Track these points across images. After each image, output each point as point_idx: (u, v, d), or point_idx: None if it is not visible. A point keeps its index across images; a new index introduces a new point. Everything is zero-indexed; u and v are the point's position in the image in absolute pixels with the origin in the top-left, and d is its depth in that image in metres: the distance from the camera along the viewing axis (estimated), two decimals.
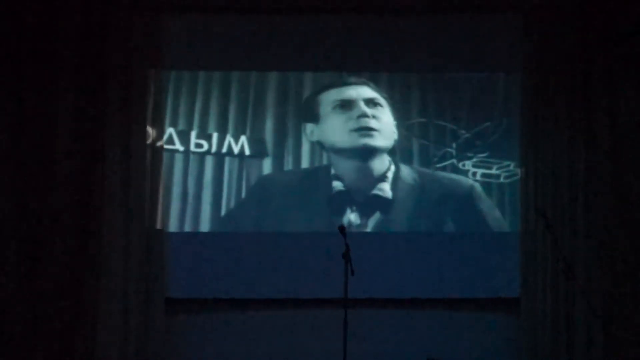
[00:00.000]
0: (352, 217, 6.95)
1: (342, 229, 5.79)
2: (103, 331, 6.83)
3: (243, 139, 7.28)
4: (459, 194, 7.07)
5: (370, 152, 6.91)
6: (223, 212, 7.17)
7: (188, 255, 7.10)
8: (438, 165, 7.29)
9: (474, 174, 7.30)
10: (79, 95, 6.96)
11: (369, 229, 6.99)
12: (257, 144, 7.25)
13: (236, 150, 7.26)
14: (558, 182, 7.02)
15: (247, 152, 7.26)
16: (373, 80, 7.27)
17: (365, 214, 6.98)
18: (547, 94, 7.07)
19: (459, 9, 7.15)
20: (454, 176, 7.14)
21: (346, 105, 6.92)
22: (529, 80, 7.10)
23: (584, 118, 7.04)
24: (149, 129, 7.02)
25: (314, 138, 6.98)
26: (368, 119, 6.84)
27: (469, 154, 7.31)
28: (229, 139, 7.28)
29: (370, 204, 6.98)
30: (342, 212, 6.98)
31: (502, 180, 7.31)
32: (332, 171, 7.01)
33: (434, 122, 7.29)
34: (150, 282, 6.91)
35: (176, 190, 7.23)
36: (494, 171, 7.32)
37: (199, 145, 7.28)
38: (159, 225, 7.01)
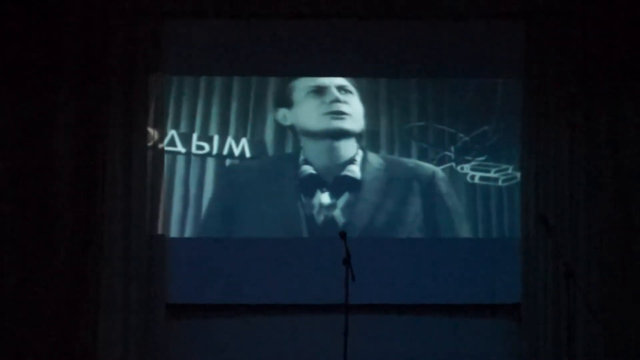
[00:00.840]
0: (322, 197, 7.09)
1: (342, 234, 5.82)
2: (104, 337, 6.85)
3: (244, 141, 7.34)
4: (423, 175, 7.18)
5: (341, 134, 7.10)
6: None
7: (189, 260, 7.12)
8: (438, 168, 7.35)
9: (472, 177, 7.35)
10: (80, 99, 6.98)
11: (338, 209, 7.09)
12: (257, 146, 7.32)
13: (237, 152, 7.32)
14: (559, 188, 7.06)
15: (247, 154, 7.32)
16: (372, 83, 7.34)
17: (335, 195, 7.11)
18: (548, 99, 7.10)
19: (460, 15, 7.17)
20: (417, 161, 7.24)
21: (320, 91, 7.12)
22: (530, 86, 7.13)
23: (585, 123, 7.07)
24: (151, 134, 7.05)
25: (287, 122, 7.14)
26: (340, 103, 7.06)
27: (468, 158, 7.35)
28: (229, 141, 7.34)
29: (340, 184, 7.11)
30: (312, 194, 7.10)
31: (500, 183, 7.34)
32: (302, 157, 7.15)
33: (433, 126, 7.35)
34: (151, 288, 6.94)
35: (177, 192, 7.26)
36: (492, 174, 7.36)
37: (200, 147, 7.34)
38: (160, 231, 7.04)
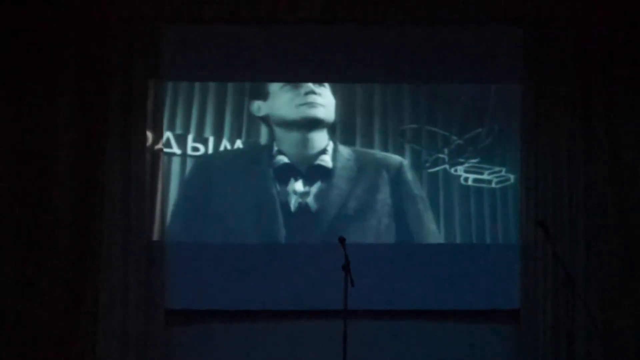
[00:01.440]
0: (296, 185, 7.24)
1: (342, 240, 5.85)
2: (103, 343, 6.86)
3: (238, 143, 7.38)
4: (391, 165, 7.31)
5: (315, 124, 7.27)
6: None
7: (188, 266, 7.13)
8: (430, 170, 7.40)
9: (466, 179, 7.40)
10: (79, 103, 6.98)
11: (311, 196, 7.23)
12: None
13: None
14: (558, 194, 7.09)
15: None
16: (366, 87, 7.42)
17: (308, 183, 7.26)
18: (547, 105, 7.14)
19: (458, 21, 7.20)
20: (385, 153, 7.35)
21: (295, 83, 7.28)
22: (529, 92, 7.17)
23: (584, 128, 7.11)
24: (150, 139, 7.07)
25: (261, 113, 7.30)
26: (315, 95, 7.25)
27: (461, 160, 7.41)
28: (224, 143, 7.37)
29: (313, 173, 7.27)
30: (286, 182, 7.24)
31: (493, 185, 7.39)
32: (275, 147, 7.29)
33: (426, 128, 7.42)
34: (150, 294, 6.95)
35: (173, 194, 7.29)
36: (485, 176, 7.41)
37: (195, 149, 7.36)
38: (158, 236, 7.06)
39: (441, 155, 7.42)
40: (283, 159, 7.26)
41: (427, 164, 7.41)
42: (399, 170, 7.30)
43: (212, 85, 7.37)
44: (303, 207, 7.22)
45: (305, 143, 7.27)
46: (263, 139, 7.35)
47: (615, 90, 7.13)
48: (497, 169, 7.44)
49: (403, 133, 7.41)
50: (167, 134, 7.31)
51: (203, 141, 7.37)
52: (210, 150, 7.34)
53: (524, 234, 7.13)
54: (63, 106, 6.96)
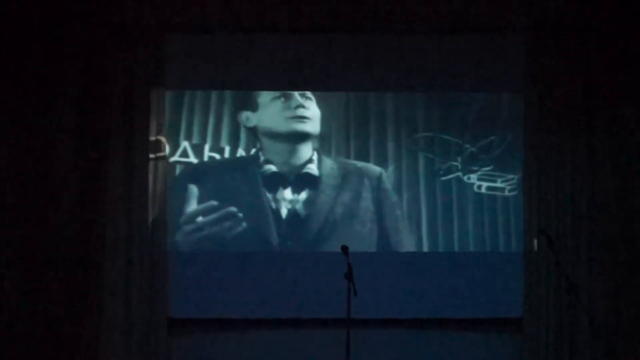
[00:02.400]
0: (285, 193, 7.38)
1: (345, 249, 5.88)
2: (106, 351, 6.88)
3: (253, 152, 7.48)
4: (371, 174, 7.44)
5: (302, 137, 7.44)
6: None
7: (191, 275, 7.19)
8: (443, 178, 7.45)
9: (479, 187, 7.44)
10: (81, 111, 7.01)
11: (300, 203, 7.36)
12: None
13: None
14: (561, 202, 7.08)
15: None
16: (378, 96, 7.50)
17: (296, 191, 7.39)
18: (550, 114, 7.14)
19: (461, 29, 7.21)
20: (365, 163, 7.46)
21: (284, 96, 7.44)
22: (531, 101, 7.18)
23: (587, 136, 7.10)
24: (153, 148, 7.13)
25: (250, 124, 7.44)
26: (303, 109, 7.42)
27: (474, 168, 7.45)
28: (240, 152, 7.48)
29: (300, 181, 7.41)
30: (275, 190, 7.38)
31: (507, 193, 7.42)
32: (262, 157, 7.43)
33: (439, 137, 7.47)
34: (152, 302, 6.99)
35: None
36: (498, 184, 7.43)
37: (212, 159, 7.47)
38: (161, 245, 7.08)
39: (454, 163, 7.45)
40: (271, 167, 7.40)
41: (441, 172, 7.45)
42: (379, 179, 7.42)
43: (227, 94, 7.46)
44: (292, 214, 7.35)
45: (291, 153, 7.43)
46: (253, 148, 7.47)
47: (619, 98, 7.10)
48: (510, 176, 7.46)
49: (416, 141, 7.46)
50: (184, 144, 7.42)
51: (219, 150, 7.47)
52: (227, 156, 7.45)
53: (527, 242, 7.13)
54: (66, 113, 6.99)
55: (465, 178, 7.46)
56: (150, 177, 7.11)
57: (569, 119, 7.13)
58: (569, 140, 7.12)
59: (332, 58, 7.38)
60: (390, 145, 7.48)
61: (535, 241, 7.03)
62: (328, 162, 7.44)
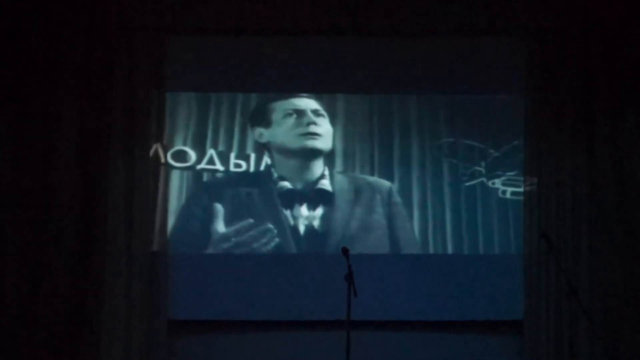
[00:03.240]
0: (301, 210, 7.41)
1: (345, 251, 5.85)
2: (105, 354, 6.90)
3: (264, 167, 7.52)
4: (382, 188, 7.46)
5: (314, 153, 7.47)
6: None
7: (191, 277, 7.20)
8: (467, 184, 7.42)
9: (504, 192, 7.41)
10: (83, 114, 7.05)
11: (317, 219, 7.39)
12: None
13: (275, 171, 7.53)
14: (561, 204, 7.07)
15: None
16: (403, 102, 7.53)
17: (312, 207, 7.41)
18: (550, 116, 7.14)
19: (462, 31, 7.24)
20: (375, 178, 7.49)
21: (297, 113, 7.48)
22: (532, 103, 7.18)
23: (587, 139, 7.09)
24: (153, 149, 7.17)
25: (263, 140, 7.48)
26: (315, 126, 7.47)
27: (498, 173, 7.41)
28: (265, 159, 7.55)
29: (315, 197, 7.43)
30: (292, 207, 7.41)
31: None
32: (275, 174, 7.46)
33: (463, 142, 7.44)
34: (153, 304, 7.00)
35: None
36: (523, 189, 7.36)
37: (237, 166, 7.57)
38: (161, 247, 7.12)
39: (478, 169, 7.40)
40: (286, 184, 7.43)
41: (464, 178, 7.42)
42: (389, 193, 7.44)
43: (253, 98, 7.53)
44: (310, 230, 7.37)
45: (304, 169, 7.46)
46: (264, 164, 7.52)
47: (619, 100, 7.10)
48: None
49: (440, 147, 7.45)
50: (211, 151, 7.52)
51: (245, 157, 7.56)
52: (252, 167, 7.51)
53: (527, 245, 7.11)
54: (66, 116, 7.03)
55: (489, 183, 7.40)
56: (151, 179, 7.15)
57: (569, 120, 7.13)
58: (569, 142, 7.12)
59: (332, 61, 7.42)
60: (415, 152, 7.49)
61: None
62: (340, 178, 7.46)
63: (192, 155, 7.47)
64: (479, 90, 7.41)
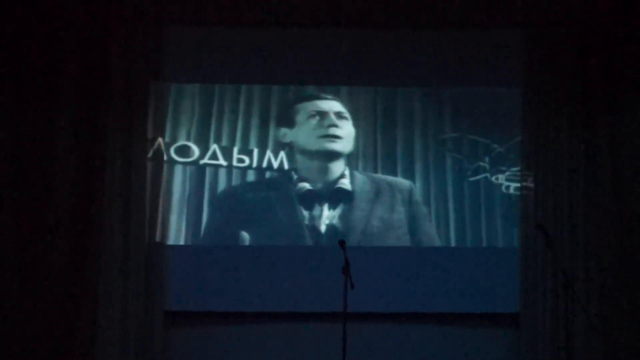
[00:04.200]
0: (321, 209, 7.43)
1: (342, 243, 5.88)
2: (102, 344, 6.89)
3: (282, 154, 7.54)
4: (403, 187, 7.46)
5: (333, 155, 7.47)
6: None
7: (187, 268, 7.19)
8: (471, 179, 7.40)
9: (507, 187, 7.39)
10: (80, 106, 7.04)
11: (337, 218, 7.39)
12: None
13: (275, 164, 7.53)
14: (558, 197, 7.06)
15: (286, 166, 7.52)
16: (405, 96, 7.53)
17: (332, 206, 7.42)
18: (548, 109, 7.13)
19: (461, 24, 7.22)
20: (395, 177, 7.49)
21: (320, 115, 7.50)
22: (530, 96, 7.17)
23: (585, 132, 7.08)
24: (150, 143, 7.18)
25: (286, 140, 7.50)
26: (336, 128, 7.47)
27: (502, 168, 7.38)
28: (268, 154, 7.54)
29: (335, 196, 7.43)
30: (312, 207, 7.41)
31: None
32: (295, 176, 7.47)
33: (467, 137, 7.44)
34: (149, 295, 7.00)
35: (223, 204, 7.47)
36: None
37: (240, 161, 7.57)
38: (158, 239, 7.12)
39: (482, 164, 7.37)
40: (305, 185, 7.45)
41: (468, 173, 7.39)
42: (410, 192, 7.44)
43: (256, 92, 7.53)
44: (330, 229, 7.37)
45: (324, 170, 7.47)
46: (284, 164, 7.51)
47: (617, 93, 7.08)
48: None
49: (444, 142, 7.43)
50: (214, 146, 7.52)
51: (248, 153, 7.55)
52: (255, 162, 7.51)
53: (523, 238, 7.10)
54: (64, 108, 7.02)
55: (493, 179, 7.39)
56: (149, 171, 7.16)
57: (567, 114, 7.12)
58: (567, 135, 7.10)
59: (329, 53, 7.42)
60: (417, 147, 7.48)
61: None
62: (360, 178, 7.47)
63: (195, 150, 7.44)
64: (478, 83, 7.41)
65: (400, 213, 7.40)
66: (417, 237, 7.38)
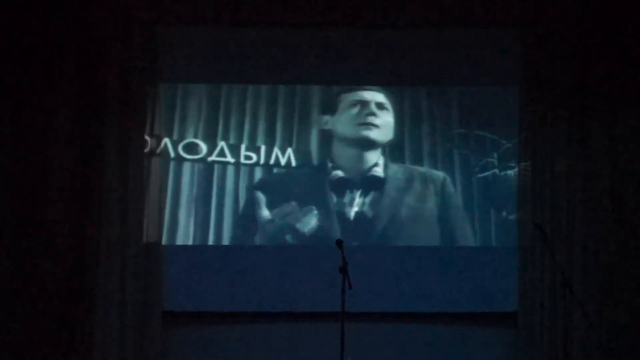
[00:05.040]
0: (352, 196, 7.48)
1: (339, 243, 5.86)
2: (100, 345, 6.89)
3: (289, 150, 7.53)
4: (436, 179, 7.49)
5: (370, 144, 7.53)
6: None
7: (186, 268, 7.21)
8: (479, 175, 7.36)
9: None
10: (77, 108, 7.03)
11: (366, 207, 7.43)
12: (303, 155, 7.52)
13: (283, 161, 7.51)
14: (555, 196, 7.04)
15: (293, 163, 7.50)
16: (395, 91, 7.60)
17: (363, 194, 7.47)
18: (545, 108, 7.09)
19: (458, 23, 7.19)
20: (428, 168, 7.52)
21: (361, 104, 7.57)
22: (527, 94, 7.15)
23: (582, 131, 7.04)
24: (148, 141, 7.17)
25: (327, 127, 7.58)
26: (374, 117, 7.53)
27: (511, 164, 7.33)
28: (276, 151, 7.53)
29: (367, 184, 7.51)
30: (343, 194, 7.47)
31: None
32: (330, 164, 7.53)
33: (475, 133, 7.43)
34: (147, 295, 7.01)
35: (228, 201, 7.48)
36: None
37: (248, 157, 7.56)
38: (155, 239, 7.12)
39: (490, 160, 7.31)
40: (338, 173, 7.49)
41: (477, 169, 7.37)
42: (443, 183, 7.46)
43: (264, 90, 7.54)
44: (359, 215, 7.41)
45: (360, 159, 7.54)
46: (315, 151, 7.55)
47: (614, 92, 7.04)
48: None
49: (452, 138, 7.42)
50: (221, 144, 7.53)
51: (255, 150, 7.54)
52: (262, 159, 7.50)
53: (521, 237, 7.11)
54: (61, 109, 7.01)
55: (502, 174, 7.34)
56: (146, 170, 7.16)
57: (564, 113, 7.07)
58: (564, 134, 7.07)
59: (326, 52, 7.42)
60: (425, 143, 7.51)
61: None
62: (394, 167, 7.52)
63: (203, 147, 7.45)
64: (473, 82, 7.42)
65: (431, 203, 7.44)
66: (447, 229, 7.42)
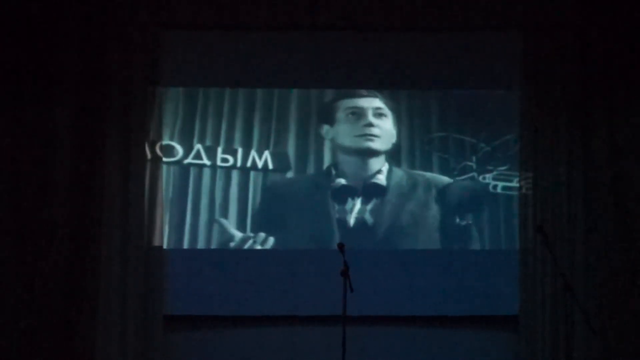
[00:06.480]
0: (353, 203, 7.43)
1: (340, 246, 5.87)
2: (101, 349, 6.88)
3: (267, 153, 7.48)
4: (440, 184, 7.45)
5: (370, 154, 7.48)
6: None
7: (187, 272, 7.18)
8: (458, 179, 7.40)
9: (495, 187, 7.40)
10: (78, 110, 7.03)
11: (366, 214, 7.38)
12: (279, 158, 7.47)
13: (260, 164, 7.46)
14: (557, 199, 7.07)
15: (270, 166, 7.46)
16: (392, 95, 7.52)
17: (364, 201, 7.42)
18: (546, 111, 7.13)
19: (459, 26, 7.23)
20: (434, 174, 7.47)
21: (357, 113, 7.51)
22: (528, 97, 7.18)
23: (583, 134, 7.09)
24: (149, 146, 7.16)
25: (329, 137, 7.52)
26: (372, 127, 7.47)
27: (489, 167, 7.39)
28: (253, 153, 7.48)
29: (368, 192, 7.45)
30: (345, 202, 7.42)
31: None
32: (333, 172, 7.47)
33: (453, 136, 7.43)
34: (148, 299, 7.00)
35: (204, 203, 7.41)
36: (514, 184, 7.34)
37: (224, 160, 7.49)
38: (157, 242, 7.12)
39: (469, 163, 7.38)
40: (341, 181, 7.46)
41: (455, 172, 7.41)
42: (447, 189, 7.42)
43: (241, 93, 7.48)
44: (360, 222, 7.37)
45: (363, 166, 7.49)
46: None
47: (615, 96, 7.09)
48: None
49: (431, 141, 7.41)
50: (198, 146, 7.46)
51: (232, 152, 7.48)
52: (239, 161, 7.44)
53: (522, 240, 7.11)
54: (62, 113, 7.01)
55: (480, 178, 7.41)
56: (147, 174, 7.14)
57: (565, 115, 7.12)
58: (565, 137, 7.10)
59: (325, 55, 7.42)
60: (404, 146, 7.49)
61: None
62: (398, 173, 7.48)
63: (179, 149, 7.38)
64: (474, 86, 7.41)
65: (434, 209, 7.41)
66: (448, 234, 7.38)
